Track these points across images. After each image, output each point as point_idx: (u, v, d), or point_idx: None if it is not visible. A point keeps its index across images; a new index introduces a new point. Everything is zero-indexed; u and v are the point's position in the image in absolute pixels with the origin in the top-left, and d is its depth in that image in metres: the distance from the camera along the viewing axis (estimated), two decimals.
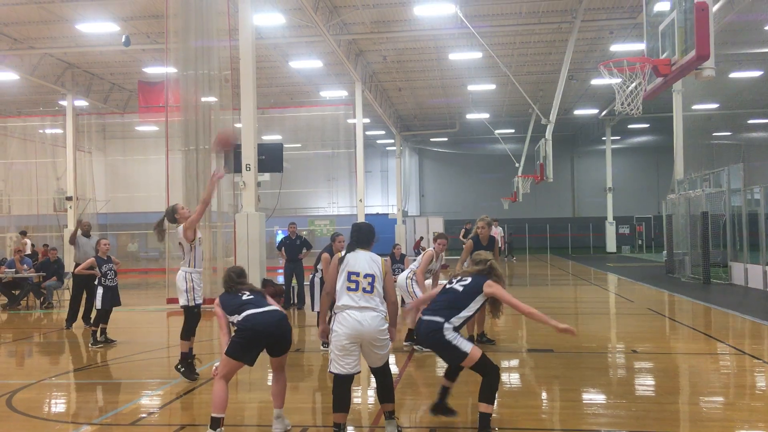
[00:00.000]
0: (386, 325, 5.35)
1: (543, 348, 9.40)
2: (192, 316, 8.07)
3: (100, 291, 10.51)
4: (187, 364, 7.79)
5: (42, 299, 15.99)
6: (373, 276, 5.33)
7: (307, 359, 9.25)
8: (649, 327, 11.70)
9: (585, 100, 34.87)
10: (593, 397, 6.92)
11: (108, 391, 7.66)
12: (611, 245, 38.90)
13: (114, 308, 10.75)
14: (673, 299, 15.60)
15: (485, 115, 35.37)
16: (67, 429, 5.97)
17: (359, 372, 5.39)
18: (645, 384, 7.65)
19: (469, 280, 5.77)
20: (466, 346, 5.48)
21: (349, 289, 5.30)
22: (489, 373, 5.50)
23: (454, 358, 5.57)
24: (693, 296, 15.47)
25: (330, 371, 5.33)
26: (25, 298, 16.22)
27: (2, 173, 31.46)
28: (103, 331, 10.59)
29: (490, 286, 5.68)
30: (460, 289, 5.70)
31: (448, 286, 5.84)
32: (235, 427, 6.04)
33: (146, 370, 8.76)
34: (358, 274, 5.33)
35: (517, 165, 32.22)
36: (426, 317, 5.62)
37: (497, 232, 20.60)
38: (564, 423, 5.94)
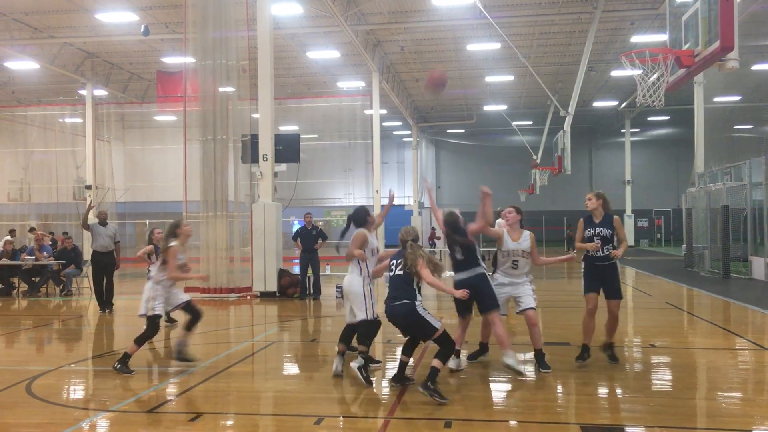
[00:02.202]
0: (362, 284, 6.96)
1: (559, 341, 9.34)
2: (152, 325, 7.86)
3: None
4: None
5: (61, 287, 16.18)
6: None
7: (322, 349, 9.27)
8: (667, 321, 11.59)
9: (604, 91, 34.54)
10: (610, 391, 6.88)
11: (126, 378, 7.72)
12: (629, 238, 38.58)
13: (135, 297, 10.85)
14: (692, 293, 15.46)
15: (503, 107, 35.16)
16: (86, 415, 6.03)
17: (354, 321, 7.06)
18: (662, 379, 7.58)
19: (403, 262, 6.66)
20: (435, 322, 6.47)
21: None
22: (447, 344, 6.46)
23: (427, 332, 6.51)
24: (712, 291, 15.32)
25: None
26: (45, 286, 16.41)
27: (23, 161, 31.79)
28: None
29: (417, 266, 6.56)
30: (402, 273, 6.63)
31: (391, 274, 6.73)
32: (250, 416, 6.06)
33: (164, 358, 8.82)
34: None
35: (534, 157, 32.01)
36: (395, 303, 6.55)
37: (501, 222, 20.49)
38: (580, 417, 5.91)
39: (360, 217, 7.50)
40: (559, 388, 7.01)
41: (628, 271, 21.86)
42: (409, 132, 42.32)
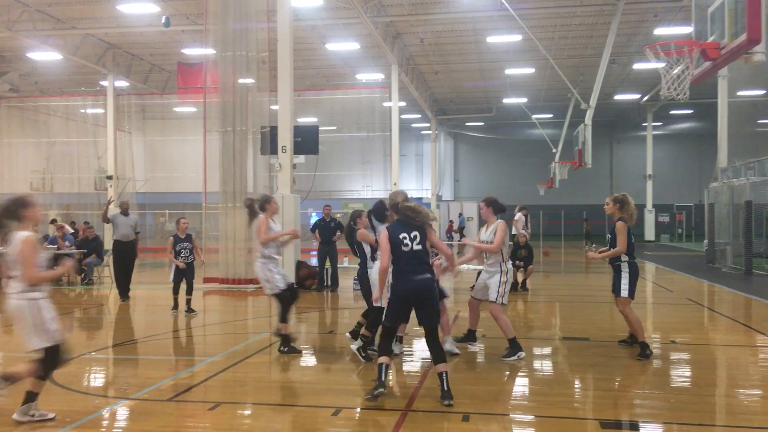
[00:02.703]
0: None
1: (578, 336, 9.29)
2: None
3: (173, 267, 11.30)
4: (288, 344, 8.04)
5: (83, 276, 16.36)
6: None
7: (339, 341, 9.29)
8: (688, 317, 11.48)
9: (626, 84, 34.16)
10: (629, 387, 6.82)
11: (146, 366, 7.81)
12: (650, 233, 38.25)
13: (155, 287, 10.96)
14: (713, 290, 15.29)
15: (523, 100, 34.91)
16: (107, 403, 6.10)
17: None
18: (682, 375, 7.51)
19: (417, 233, 6.22)
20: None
21: None
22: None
23: (436, 312, 6.26)
24: (734, 287, 15.13)
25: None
26: (67, 275, 16.58)
27: (45, 152, 32.13)
28: (188, 302, 11.25)
29: (432, 234, 6.42)
30: (420, 247, 6.20)
31: (405, 248, 6.15)
32: (268, 406, 6.09)
33: (184, 347, 8.89)
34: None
35: (554, 150, 31.77)
36: (418, 277, 6.12)
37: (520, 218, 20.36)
38: (598, 413, 5.87)
39: (380, 212, 7.54)
40: (578, 384, 6.98)
41: (648, 267, 21.67)
42: (427, 124, 42.17)
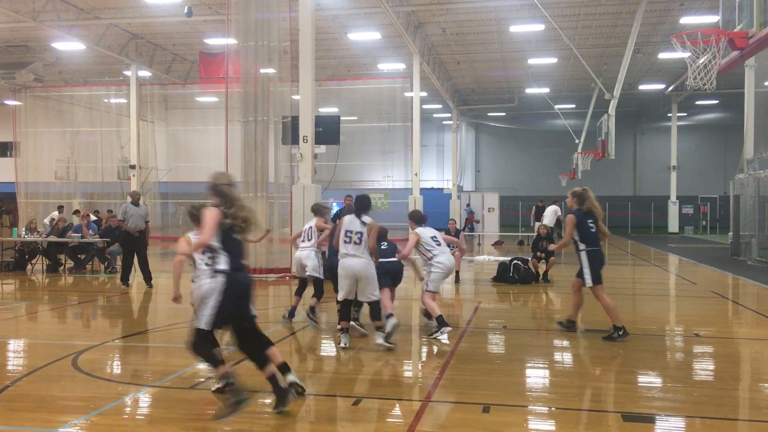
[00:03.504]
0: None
1: (600, 329, 9.21)
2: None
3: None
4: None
5: (106, 264, 16.56)
6: (361, 233, 7.62)
7: (360, 333, 9.29)
8: (712, 310, 11.34)
9: (651, 74, 33.69)
10: (651, 380, 6.76)
11: (168, 354, 7.89)
12: (673, 225, 37.80)
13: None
14: (737, 282, 15.08)
15: (545, 90, 34.59)
16: (129, 390, 6.17)
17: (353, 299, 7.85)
18: (706, 369, 7.42)
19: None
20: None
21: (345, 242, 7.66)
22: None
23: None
24: (759, 280, 14.91)
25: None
26: (90, 263, 16.81)
27: (69, 141, 32.49)
28: None
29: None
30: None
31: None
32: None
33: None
34: (351, 231, 7.66)
35: (577, 141, 31.48)
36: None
37: (555, 210, 20.35)
38: (619, 405, 5.82)
39: (368, 204, 7.93)
40: (599, 376, 6.92)
41: (672, 259, 21.44)
42: (449, 115, 41.98)
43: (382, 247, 8.57)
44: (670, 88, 35.58)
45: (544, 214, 20.88)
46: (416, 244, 8.57)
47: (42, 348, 8.19)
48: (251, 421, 5.33)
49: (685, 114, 42.34)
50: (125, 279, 13.53)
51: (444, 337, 8.29)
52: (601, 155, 24.01)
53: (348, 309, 7.95)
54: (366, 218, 7.69)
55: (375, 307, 7.81)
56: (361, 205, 7.75)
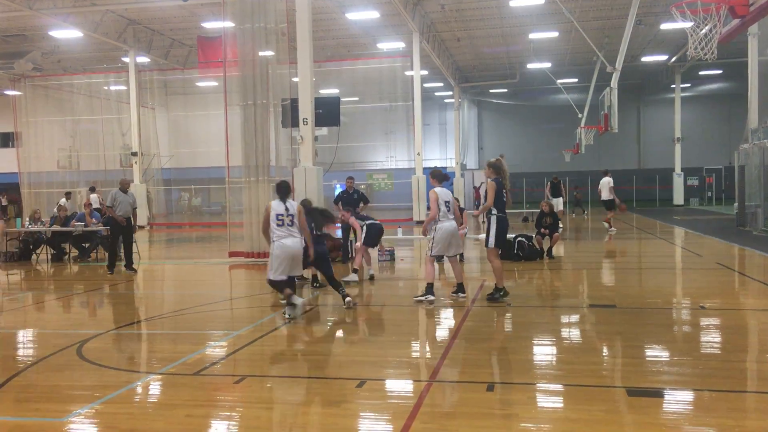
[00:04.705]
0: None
1: (605, 303, 9.19)
2: None
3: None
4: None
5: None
6: (292, 215, 8.40)
7: (365, 312, 9.30)
8: (717, 282, 11.29)
9: (653, 46, 33.35)
10: (657, 354, 6.73)
11: (173, 341, 7.89)
12: (679, 197, 37.62)
13: (182, 261, 11.05)
14: (743, 253, 15.01)
15: (547, 65, 34.29)
16: (134, 378, 6.17)
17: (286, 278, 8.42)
18: (712, 341, 7.39)
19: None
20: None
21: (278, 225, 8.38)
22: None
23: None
24: (765, 250, 14.83)
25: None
26: (95, 251, 16.82)
27: (70, 130, 32.44)
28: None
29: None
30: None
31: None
32: (294, 378, 6.13)
33: (210, 321, 8.97)
34: (281, 214, 8.39)
35: (580, 116, 31.26)
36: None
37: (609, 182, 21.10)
38: (626, 380, 5.80)
39: (287, 189, 8.73)
40: (605, 351, 6.90)
41: (677, 231, 21.36)
42: (450, 93, 41.73)
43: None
44: (673, 59, 35.24)
45: (599, 187, 21.36)
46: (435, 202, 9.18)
47: (47, 337, 8.21)
48: (258, 406, 5.34)
49: (689, 85, 41.97)
50: (111, 267, 13.73)
51: (424, 300, 9.20)
52: (604, 129, 23.85)
53: (286, 284, 8.46)
54: (292, 202, 8.54)
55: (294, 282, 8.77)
56: (283, 190, 8.57)
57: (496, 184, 9.12)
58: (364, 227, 12.02)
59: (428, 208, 9.60)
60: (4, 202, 33.88)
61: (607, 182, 21.30)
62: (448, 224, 9.29)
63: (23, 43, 28.88)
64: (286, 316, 8.46)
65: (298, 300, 8.41)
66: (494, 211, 9.14)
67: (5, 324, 9.22)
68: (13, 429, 4.85)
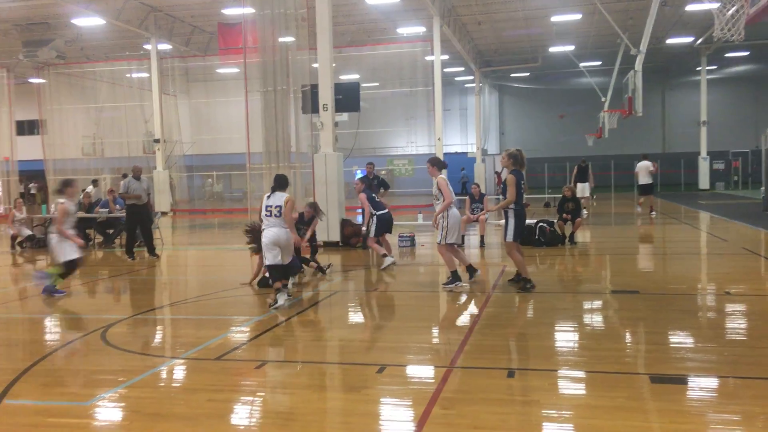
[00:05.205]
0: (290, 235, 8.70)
1: (628, 289, 9.09)
2: None
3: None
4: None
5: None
6: (280, 207, 8.56)
7: (386, 298, 9.30)
8: (743, 267, 11.11)
9: (679, 27, 32.74)
10: (681, 340, 6.65)
11: (195, 326, 7.97)
12: (704, 182, 37.08)
13: (204, 247, 11.13)
14: None
15: (570, 48, 33.84)
16: (157, 362, 6.24)
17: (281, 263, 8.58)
18: (737, 327, 7.28)
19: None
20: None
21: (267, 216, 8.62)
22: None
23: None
24: None
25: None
26: (119, 237, 17.01)
27: (94, 117, 32.74)
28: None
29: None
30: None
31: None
32: (314, 364, 6.15)
33: (232, 306, 9.03)
34: (270, 206, 8.60)
35: (603, 99, 30.86)
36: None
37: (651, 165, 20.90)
38: (649, 367, 5.73)
39: (285, 182, 8.88)
40: (628, 338, 6.83)
41: (702, 216, 21.06)
42: (471, 78, 41.40)
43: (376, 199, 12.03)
44: (699, 41, 34.59)
45: (637, 170, 21.16)
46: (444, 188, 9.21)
47: (72, 322, 8.33)
48: (278, 391, 5.37)
49: (715, 67, 41.21)
50: (131, 251, 13.81)
51: (454, 287, 9.14)
52: (629, 113, 23.49)
53: (279, 271, 8.60)
54: (282, 194, 8.66)
55: (288, 269, 8.94)
56: (279, 182, 8.78)
57: (516, 177, 8.98)
58: (375, 218, 11.98)
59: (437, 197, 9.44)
60: (34, 190, 34.33)
61: (646, 166, 21.06)
62: (456, 211, 9.40)
63: (47, 31, 29.12)
64: (269, 303, 8.48)
65: (282, 298, 8.45)
66: (513, 205, 8.97)
67: (31, 309, 9.37)
68: (39, 412, 4.93)
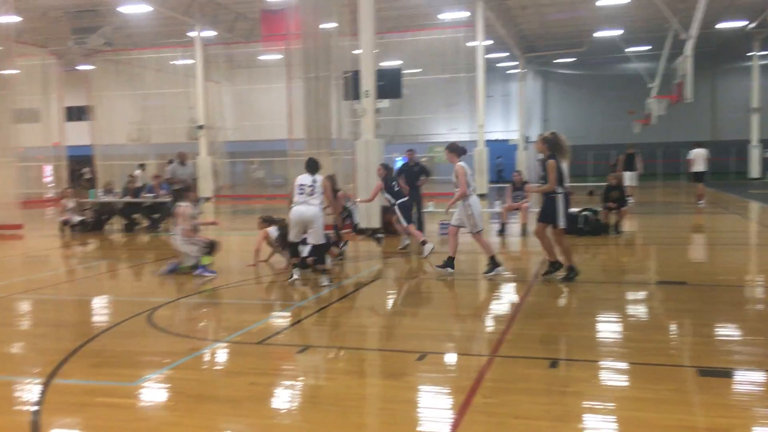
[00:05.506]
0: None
1: (675, 280, 8.88)
2: None
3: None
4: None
5: None
6: (312, 186, 8.98)
7: (426, 286, 9.28)
8: None
9: (731, 11, 31.67)
10: (729, 333, 6.48)
11: (238, 310, 8.07)
12: (755, 170, 35.95)
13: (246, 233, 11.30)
14: None
15: (617, 32, 33.05)
16: (201, 345, 6.34)
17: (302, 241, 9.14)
18: None
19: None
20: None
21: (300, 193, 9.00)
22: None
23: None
24: None
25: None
26: (164, 222, 17.31)
27: (140, 103, 33.31)
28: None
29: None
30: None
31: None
32: (355, 350, 6.18)
33: (274, 291, 9.12)
34: (304, 185, 9.01)
35: (650, 85, 30.13)
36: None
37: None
38: (696, 360, 5.60)
39: (316, 165, 9.35)
40: (674, 329, 6.68)
41: (753, 206, 20.46)
42: (514, 63, 40.80)
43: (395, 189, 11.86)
44: (752, 25, 33.43)
45: (692, 158, 20.74)
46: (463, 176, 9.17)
47: (118, 305, 8.53)
48: (319, 376, 5.40)
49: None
50: None
51: (496, 274, 9.11)
52: (677, 99, 22.91)
53: (296, 248, 9.26)
54: (318, 176, 9.10)
55: (318, 249, 9.10)
56: (311, 166, 9.23)
57: (556, 161, 8.69)
58: (396, 207, 11.97)
59: (456, 186, 9.28)
60: (88, 175, 35.05)
61: (702, 153, 20.57)
62: (476, 198, 9.38)
63: (95, 18, 29.65)
64: (289, 281, 9.08)
65: (296, 273, 9.11)
66: (559, 189, 8.63)
67: (80, 291, 9.62)
68: (87, 392, 5.06)
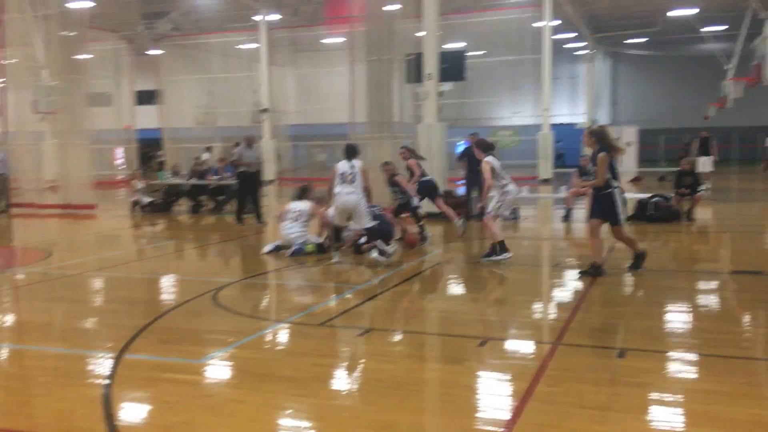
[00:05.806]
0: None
1: (750, 269, 8.50)
2: None
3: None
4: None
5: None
6: (353, 174, 9.18)
7: (487, 271, 9.17)
8: None
9: None
10: None
11: (300, 292, 8.17)
12: None
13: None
14: None
15: (692, 11, 31.70)
16: (264, 325, 6.44)
17: (345, 226, 9.55)
18: None
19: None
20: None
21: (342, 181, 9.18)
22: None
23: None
24: None
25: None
26: (229, 204, 17.65)
27: (206, 87, 33.99)
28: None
29: None
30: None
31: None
32: (416, 334, 6.15)
33: (335, 274, 9.19)
34: (345, 173, 9.21)
35: (726, 67, 28.81)
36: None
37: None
38: None
39: (355, 150, 9.54)
40: (748, 320, 6.40)
41: None
42: (583, 44, 39.70)
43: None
44: None
45: None
46: (492, 172, 9.15)
47: (186, 284, 8.75)
48: (380, 359, 5.41)
49: None
50: (240, 217, 14.26)
51: (496, 260, 9.08)
52: (756, 81, 21.87)
53: (340, 233, 9.62)
54: (356, 162, 9.24)
55: (370, 232, 9.36)
56: (350, 151, 9.39)
57: (607, 155, 8.17)
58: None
59: (487, 177, 9.20)
60: (162, 158, 36.03)
61: None
62: (513, 188, 9.44)
63: (164, 3, 30.35)
64: (334, 260, 9.43)
65: (337, 257, 9.47)
66: (615, 184, 8.11)
67: (150, 270, 9.91)
68: (156, 367, 5.21)
